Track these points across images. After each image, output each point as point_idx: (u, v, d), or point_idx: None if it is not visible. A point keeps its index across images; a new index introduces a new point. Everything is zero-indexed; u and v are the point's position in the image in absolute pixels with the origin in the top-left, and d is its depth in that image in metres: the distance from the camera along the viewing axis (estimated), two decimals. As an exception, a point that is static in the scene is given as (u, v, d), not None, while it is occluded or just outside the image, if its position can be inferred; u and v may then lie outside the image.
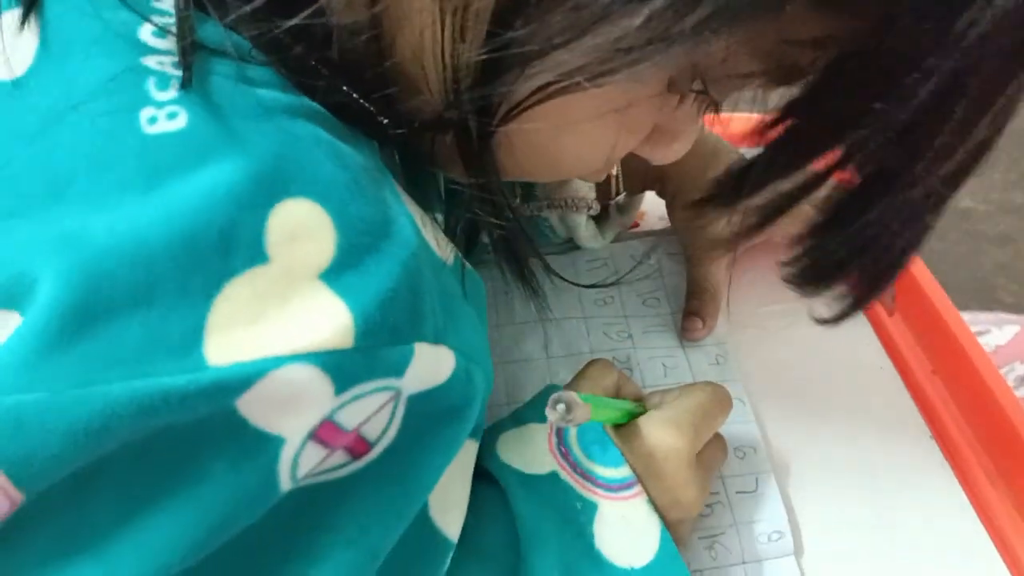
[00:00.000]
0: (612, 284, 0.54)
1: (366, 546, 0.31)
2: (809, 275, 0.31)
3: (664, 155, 0.38)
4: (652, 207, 0.59)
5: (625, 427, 0.40)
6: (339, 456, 0.28)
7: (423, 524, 0.34)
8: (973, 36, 0.25)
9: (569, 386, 0.42)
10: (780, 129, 0.30)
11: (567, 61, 0.27)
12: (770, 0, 0.26)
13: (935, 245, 1.29)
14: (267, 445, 0.26)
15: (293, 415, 0.26)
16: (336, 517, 0.30)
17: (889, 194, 0.29)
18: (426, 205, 0.35)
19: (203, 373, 0.24)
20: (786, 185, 0.30)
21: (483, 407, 0.34)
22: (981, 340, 0.98)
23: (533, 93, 0.29)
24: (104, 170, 0.25)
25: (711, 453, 0.42)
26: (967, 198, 1.37)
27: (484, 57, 0.28)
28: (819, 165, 0.30)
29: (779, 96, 0.31)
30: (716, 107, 0.35)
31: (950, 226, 1.32)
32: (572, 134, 0.33)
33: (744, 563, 0.43)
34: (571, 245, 0.56)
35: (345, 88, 0.29)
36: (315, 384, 0.26)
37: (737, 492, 0.45)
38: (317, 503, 0.29)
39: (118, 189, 0.25)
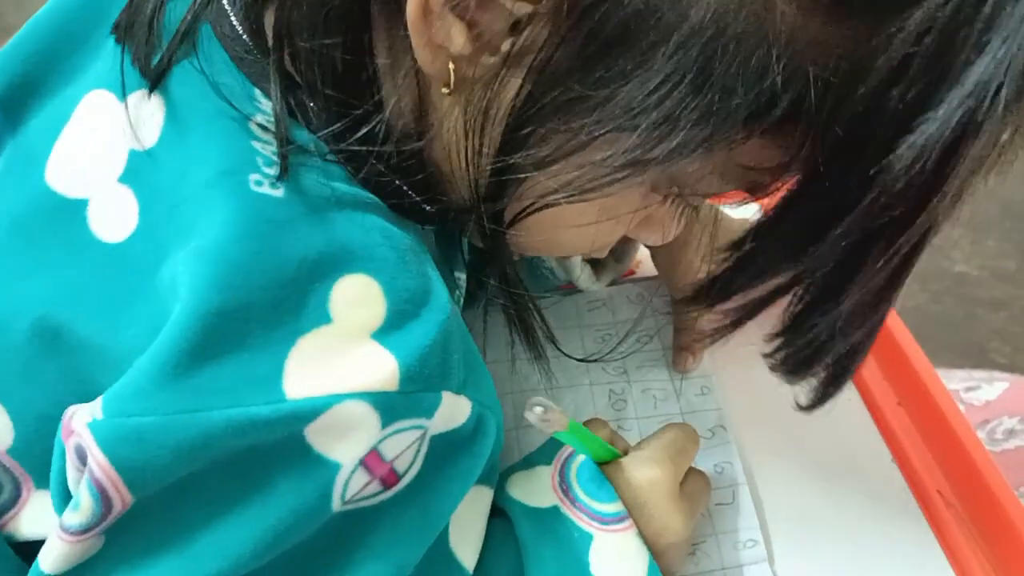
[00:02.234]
0: (607, 358, 0.58)
1: (392, 562, 0.37)
2: (783, 369, 0.37)
3: (654, 239, 0.44)
4: (647, 256, 0.65)
5: (612, 467, 0.45)
6: (375, 486, 0.34)
7: (445, 553, 0.40)
8: (879, 197, 0.29)
9: None
10: (745, 247, 0.35)
11: (556, 181, 0.34)
12: (726, 136, 0.31)
13: (931, 308, 1.34)
14: (326, 468, 0.33)
15: (348, 443, 0.32)
16: (369, 537, 0.36)
17: (828, 312, 0.34)
18: (451, 266, 0.42)
19: (283, 404, 0.31)
20: (755, 293, 0.36)
21: (496, 454, 0.40)
22: (972, 395, 1.03)
23: (533, 203, 0.36)
24: (214, 219, 0.32)
25: (694, 485, 0.47)
26: (962, 264, 1.42)
27: (492, 176, 0.35)
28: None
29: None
30: (696, 208, 0.41)
31: (946, 291, 1.38)
32: (570, 230, 0.39)
33: (724, 568, 0.48)
34: (574, 287, 0.63)
35: (398, 183, 0.36)
36: (367, 417, 0.32)
37: (716, 504, 0.50)
38: (354, 525, 0.35)
39: (223, 234, 0.32)
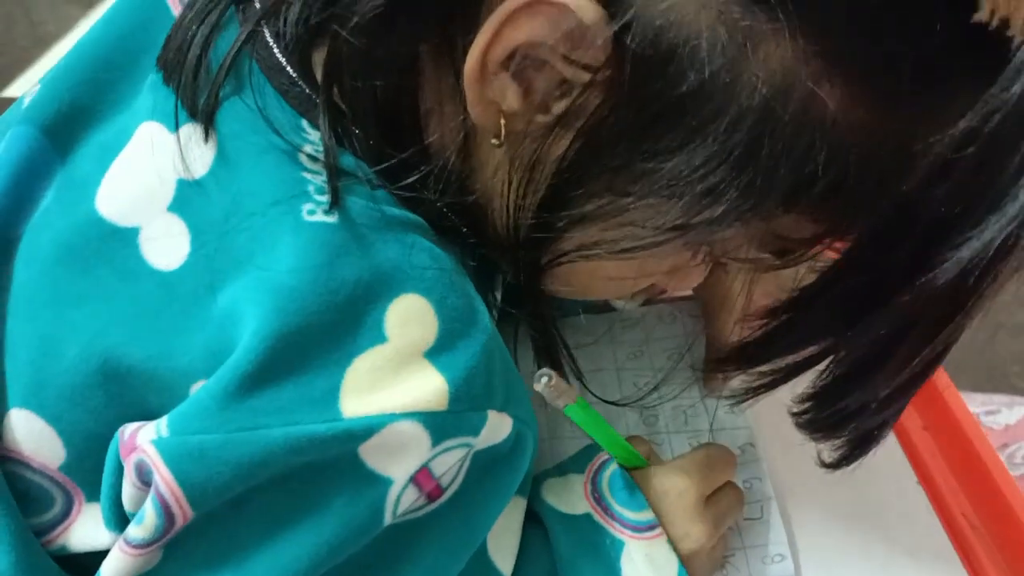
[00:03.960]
0: (633, 404, 0.58)
1: (437, 572, 0.38)
2: (809, 430, 0.38)
3: (681, 288, 0.45)
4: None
5: (640, 473, 0.47)
6: (421, 499, 0.35)
7: (483, 561, 0.42)
8: (921, 294, 0.30)
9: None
10: (782, 317, 0.36)
11: (594, 238, 0.36)
12: (766, 210, 0.33)
13: (952, 332, 1.35)
14: (378, 485, 0.34)
15: (401, 460, 0.33)
16: (414, 548, 0.37)
17: (857, 390, 0.35)
18: (488, 286, 0.43)
19: (339, 423, 0.32)
20: (789, 360, 0.37)
21: (531, 464, 0.41)
22: (992, 419, 1.04)
23: (568, 253, 0.37)
24: (273, 249, 0.33)
25: (726, 500, 0.49)
26: (984, 288, 1.43)
27: (532, 227, 0.37)
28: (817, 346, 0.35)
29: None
30: (725, 267, 0.43)
31: (967, 314, 1.38)
32: (601, 280, 0.41)
33: (751, 582, 0.50)
34: (608, 306, 0.64)
35: (442, 208, 0.37)
36: (419, 436, 0.33)
37: (745, 519, 0.52)
38: (400, 537, 0.36)
39: (282, 264, 0.33)
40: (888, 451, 0.57)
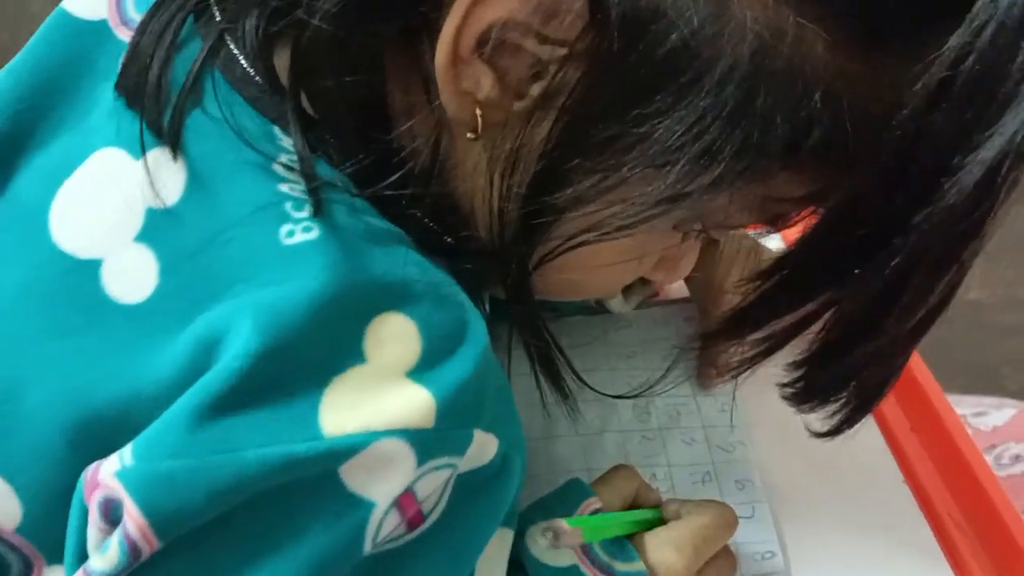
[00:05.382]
0: (637, 396, 0.56)
1: None
2: (801, 399, 0.36)
3: (670, 278, 0.45)
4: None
5: (632, 541, 0.45)
6: (402, 527, 0.33)
7: None
8: (933, 218, 0.29)
9: (593, 487, 0.47)
10: (776, 277, 0.35)
11: (587, 221, 0.34)
12: (763, 168, 0.32)
13: (944, 333, 1.35)
14: (360, 509, 0.31)
15: (385, 482, 0.31)
16: None
17: (863, 342, 0.33)
18: (478, 299, 0.40)
19: (320, 442, 0.30)
20: (785, 322, 0.35)
21: (519, 493, 0.39)
22: (980, 420, 1.05)
23: (563, 243, 0.35)
24: (256, 275, 0.32)
25: (716, 571, 0.47)
26: (976, 291, 1.44)
27: (522, 213, 0.35)
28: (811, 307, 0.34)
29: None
30: (716, 242, 0.42)
31: (959, 316, 1.38)
32: (591, 272, 0.39)
33: (743, 578, 0.51)
34: (602, 308, 0.65)
35: (425, 221, 0.36)
36: (403, 455, 0.31)
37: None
38: (381, 569, 0.34)
39: (265, 289, 0.31)
40: (876, 452, 0.58)
